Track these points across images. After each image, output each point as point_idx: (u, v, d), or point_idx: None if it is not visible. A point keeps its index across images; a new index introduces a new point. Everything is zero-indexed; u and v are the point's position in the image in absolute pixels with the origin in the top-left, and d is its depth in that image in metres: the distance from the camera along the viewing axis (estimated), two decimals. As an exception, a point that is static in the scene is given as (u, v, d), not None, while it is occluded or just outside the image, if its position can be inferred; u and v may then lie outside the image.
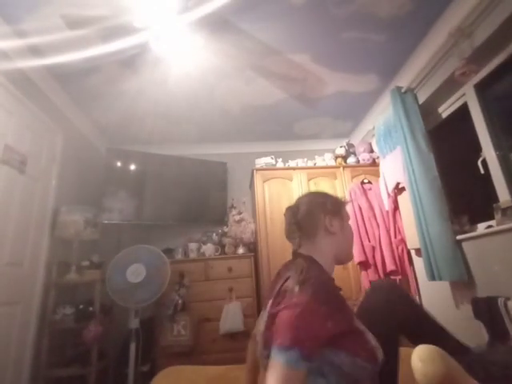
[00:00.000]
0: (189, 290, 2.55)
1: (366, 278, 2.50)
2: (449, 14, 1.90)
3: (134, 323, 2.24)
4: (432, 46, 2.07)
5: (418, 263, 2.39)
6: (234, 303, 2.54)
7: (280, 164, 3.13)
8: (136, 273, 2.22)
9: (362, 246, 2.56)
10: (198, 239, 3.02)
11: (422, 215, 2.05)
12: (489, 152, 1.91)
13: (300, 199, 1.08)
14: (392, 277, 2.47)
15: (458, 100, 2.17)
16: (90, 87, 2.42)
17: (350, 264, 2.69)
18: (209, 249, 2.84)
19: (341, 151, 3.14)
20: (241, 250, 2.86)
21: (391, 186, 2.54)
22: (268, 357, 0.75)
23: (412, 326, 1.08)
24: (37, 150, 2.21)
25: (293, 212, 1.03)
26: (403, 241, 2.51)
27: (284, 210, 1.09)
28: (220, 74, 2.38)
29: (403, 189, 2.41)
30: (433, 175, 2.06)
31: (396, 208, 2.58)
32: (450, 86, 2.09)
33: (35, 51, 2.01)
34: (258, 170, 3.00)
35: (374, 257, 2.53)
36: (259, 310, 2.61)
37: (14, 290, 1.93)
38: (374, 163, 3.00)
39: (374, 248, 2.55)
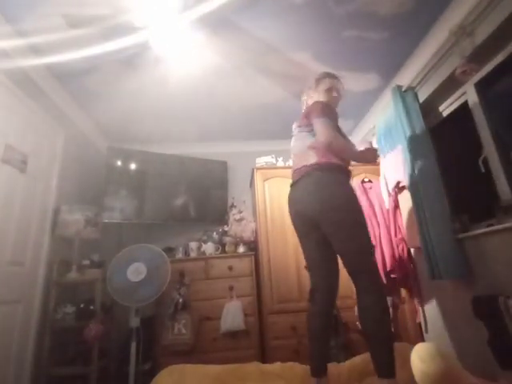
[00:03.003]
0: (189, 288, 2.56)
1: (367, 277, 2.50)
2: (450, 13, 1.89)
3: (135, 322, 2.25)
4: (433, 45, 2.07)
5: (419, 262, 2.39)
6: (234, 302, 2.54)
7: (280, 163, 3.12)
8: (137, 272, 2.23)
9: (363, 244, 2.56)
10: (199, 238, 3.02)
11: (423, 214, 2.05)
12: (490, 150, 1.91)
13: None
14: (392, 275, 2.47)
15: (458, 98, 2.16)
16: (90, 86, 2.42)
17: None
18: (209, 248, 2.85)
19: (341, 150, 3.13)
20: (241, 249, 2.86)
21: (392, 185, 2.53)
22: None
23: None
24: (38, 149, 2.22)
25: None
26: (404, 239, 2.51)
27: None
28: (220, 72, 2.37)
29: (404, 187, 2.41)
30: (433, 174, 2.06)
31: (396, 207, 2.58)
32: (451, 84, 2.08)
33: (36, 50, 2.01)
34: (258, 168, 3.00)
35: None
36: (260, 309, 2.62)
37: (16, 288, 1.94)
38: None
39: (374, 247, 2.55)
